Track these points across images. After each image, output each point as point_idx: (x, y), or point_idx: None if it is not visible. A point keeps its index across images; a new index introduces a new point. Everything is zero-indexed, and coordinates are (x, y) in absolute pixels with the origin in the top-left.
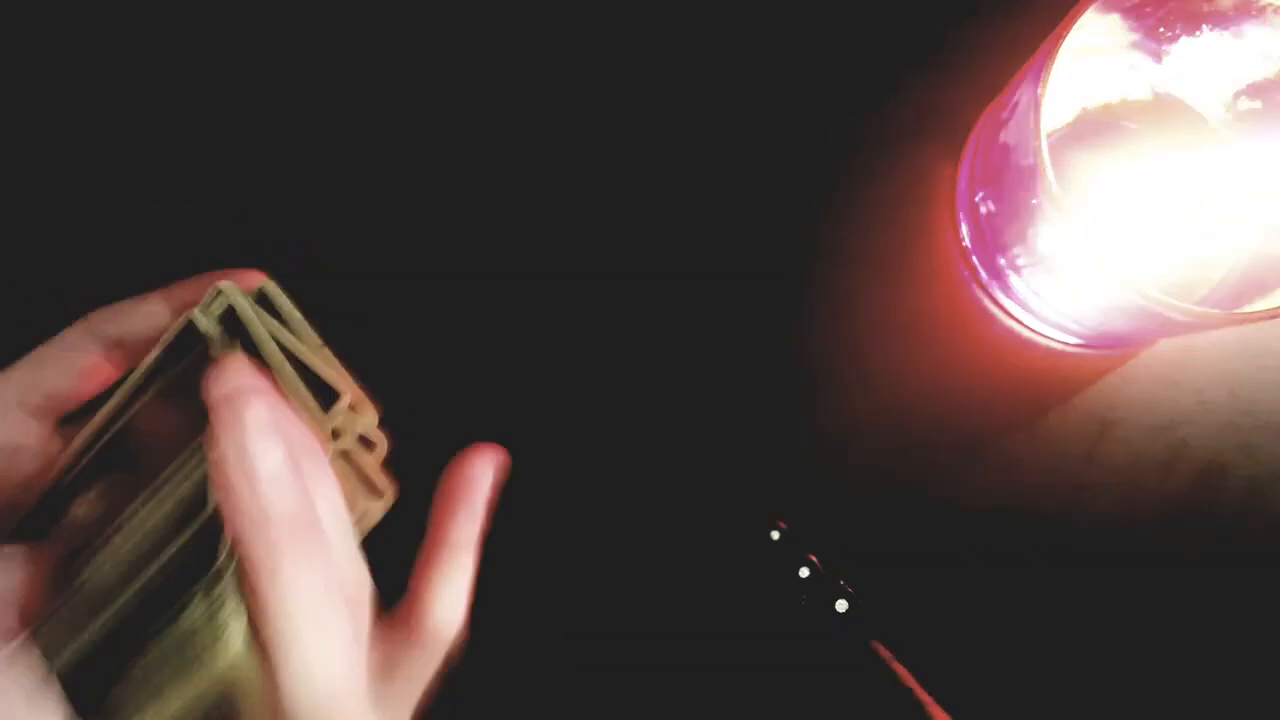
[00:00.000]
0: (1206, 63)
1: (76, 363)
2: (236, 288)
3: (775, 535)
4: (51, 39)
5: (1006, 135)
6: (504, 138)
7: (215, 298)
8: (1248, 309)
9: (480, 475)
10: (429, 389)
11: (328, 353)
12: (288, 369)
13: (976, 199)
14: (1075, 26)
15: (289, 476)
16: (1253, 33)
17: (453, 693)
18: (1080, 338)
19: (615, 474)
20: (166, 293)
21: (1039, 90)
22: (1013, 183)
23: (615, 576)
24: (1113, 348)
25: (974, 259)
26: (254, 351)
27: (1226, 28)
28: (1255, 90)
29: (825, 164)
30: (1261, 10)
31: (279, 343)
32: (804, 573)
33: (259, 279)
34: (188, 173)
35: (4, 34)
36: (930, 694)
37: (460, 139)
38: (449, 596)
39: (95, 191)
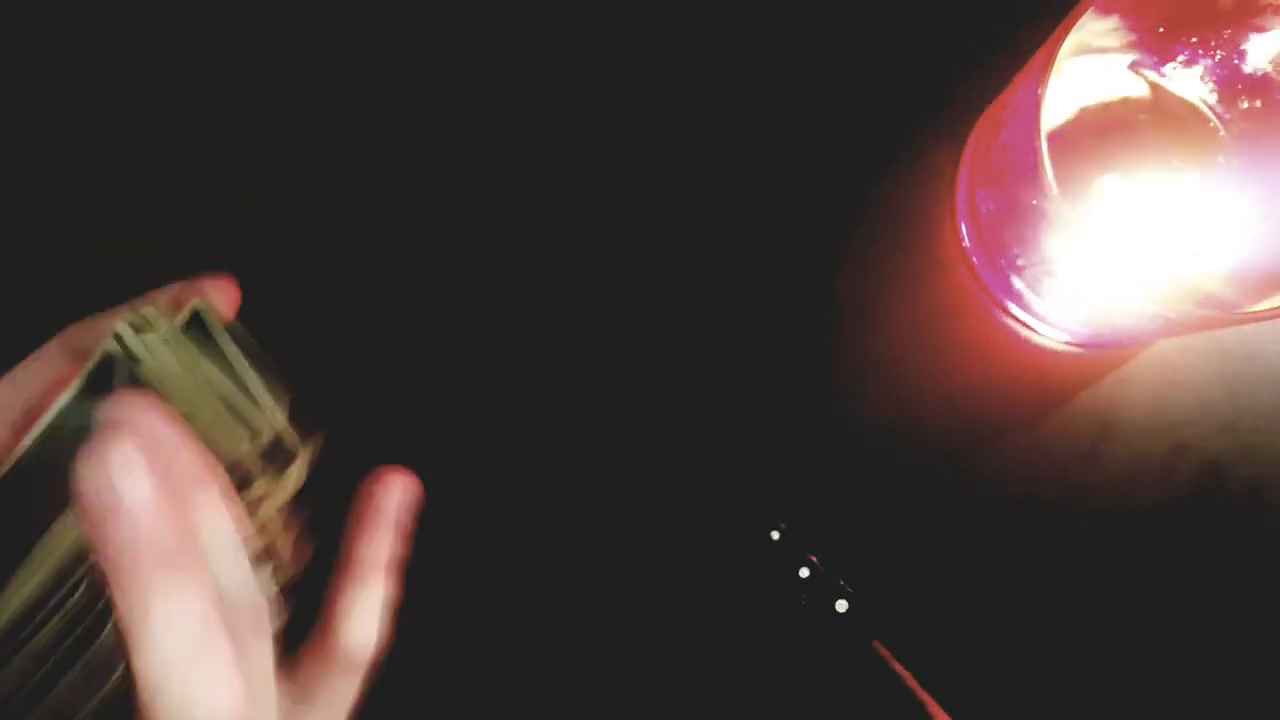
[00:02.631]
0: (1206, 63)
1: (54, 378)
2: (149, 315)
3: (775, 535)
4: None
5: (1006, 135)
6: (513, 142)
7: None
8: (1248, 309)
9: (387, 498)
10: (437, 386)
11: (255, 379)
12: (198, 401)
13: (976, 199)
14: (1075, 26)
15: (158, 507)
16: (1253, 33)
17: (448, 691)
18: (1080, 338)
19: (615, 474)
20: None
21: (1039, 90)
22: (1013, 183)
23: (615, 576)
24: (1113, 348)
25: (974, 259)
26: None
27: (1226, 27)
28: (1255, 90)
29: (825, 165)
30: (1261, 10)
31: (202, 370)
32: (804, 573)
33: (224, 287)
34: (158, 175)
35: None
36: (930, 694)
37: (475, 144)
38: (362, 617)
39: (71, 196)
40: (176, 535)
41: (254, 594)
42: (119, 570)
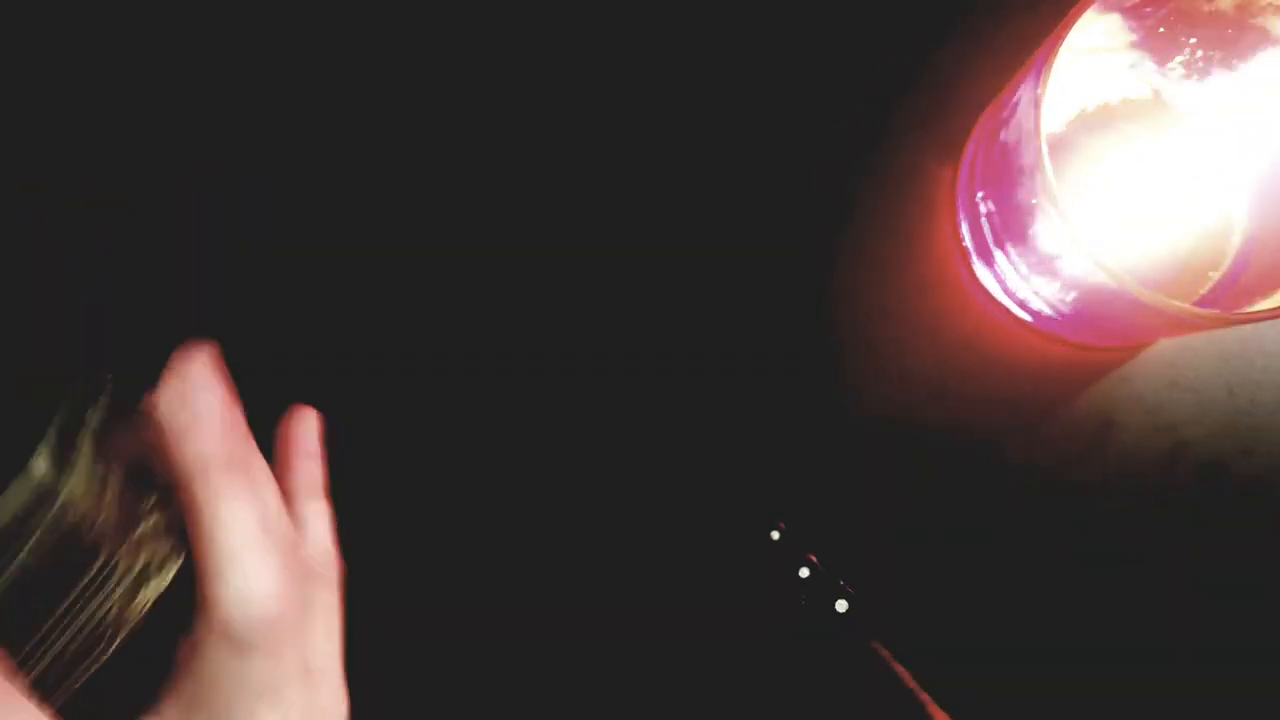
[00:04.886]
0: (1206, 63)
1: None
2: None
3: (775, 535)
4: None
5: (1006, 135)
6: (509, 140)
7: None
8: (1248, 309)
9: (302, 429)
10: (437, 387)
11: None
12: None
13: (976, 199)
14: (1075, 26)
15: (226, 422)
16: (1253, 33)
17: (448, 691)
18: (1080, 337)
19: (616, 474)
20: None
21: (1039, 90)
22: (1013, 182)
23: (616, 576)
24: (1113, 347)
25: (974, 259)
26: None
27: (1227, 28)
28: (1255, 91)
29: (825, 164)
30: (1262, 10)
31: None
32: (804, 573)
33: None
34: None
35: None
36: (930, 694)
37: (475, 144)
38: (315, 531)
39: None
40: (242, 448)
41: (284, 513)
42: (192, 475)
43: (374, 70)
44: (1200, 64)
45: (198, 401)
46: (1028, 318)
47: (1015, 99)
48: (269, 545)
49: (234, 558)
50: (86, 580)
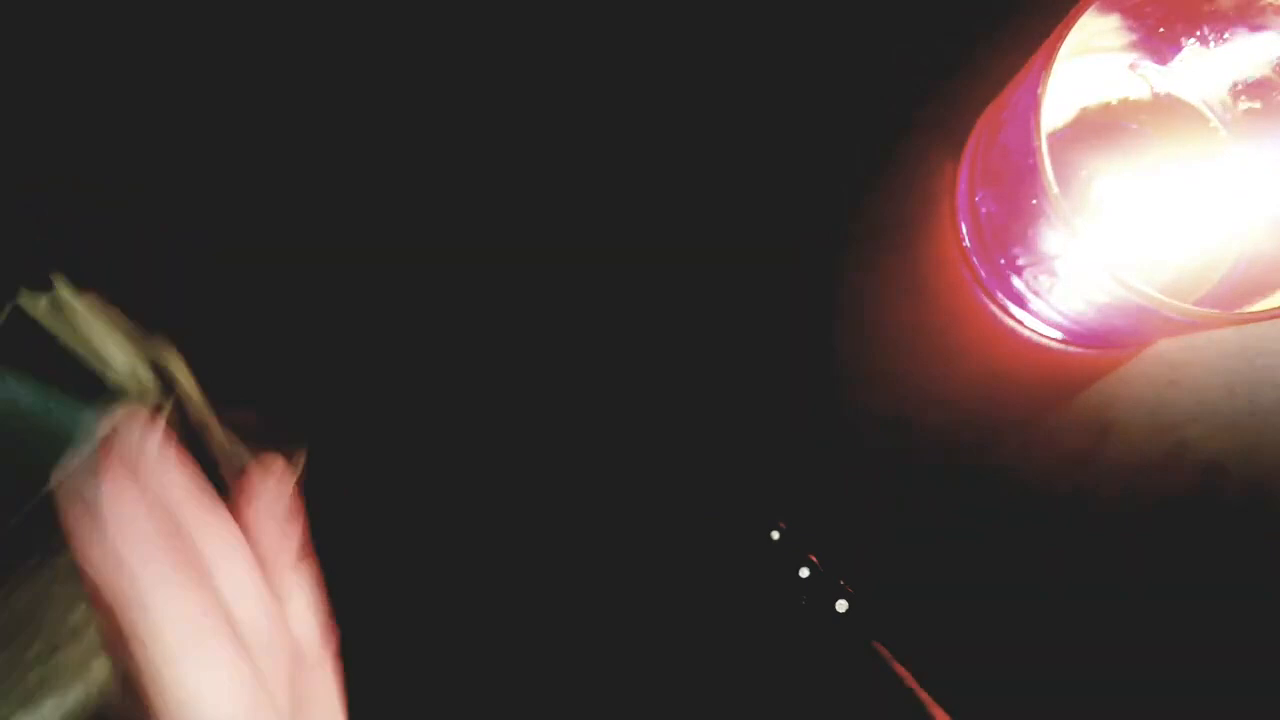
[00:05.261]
0: (1206, 63)
1: None
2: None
3: (775, 535)
4: None
5: (1006, 135)
6: (513, 145)
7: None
8: (1248, 309)
9: (269, 488)
10: (438, 389)
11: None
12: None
13: (976, 199)
14: (1075, 26)
15: (145, 514)
16: (1253, 33)
17: (448, 691)
18: (1080, 338)
19: (616, 473)
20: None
21: (1039, 90)
22: (1013, 183)
23: (616, 576)
24: (1113, 348)
25: (974, 259)
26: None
27: (1226, 27)
28: (1255, 90)
29: (825, 165)
30: (1261, 10)
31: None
32: (804, 573)
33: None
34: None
35: None
36: (930, 694)
37: (474, 143)
38: (296, 607)
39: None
40: (170, 543)
41: (263, 605)
42: (108, 574)
43: (371, 69)
44: (1200, 65)
45: (105, 494)
46: (1028, 318)
47: (1015, 99)
48: (218, 637)
49: (169, 660)
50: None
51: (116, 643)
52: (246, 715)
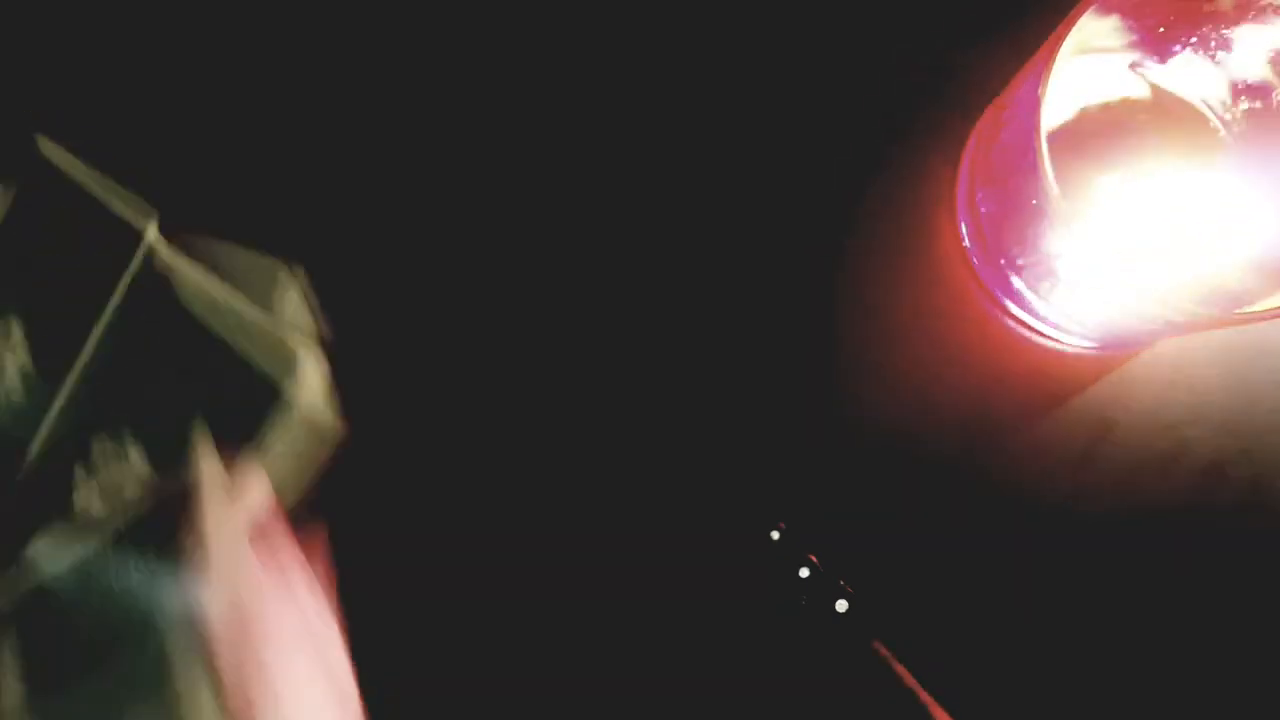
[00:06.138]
0: (1206, 63)
1: None
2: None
3: (775, 535)
4: None
5: (1006, 135)
6: (513, 138)
7: None
8: (1248, 309)
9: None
10: (439, 389)
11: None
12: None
13: (976, 199)
14: (1075, 26)
15: (267, 604)
16: (1253, 33)
17: (447, 691)
18: (1080, 338)
19: (616, 474)
20: None
21: (1039, 90)
22: (1013, 183)
23: (616, 576)
24: (1113, 348)
25: (974, 259)
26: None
27: (1227, 28)
28: (1255, 90)
29: (825, 165)
30: (1261, 10)
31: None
32: (804, 573)
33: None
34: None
35: None
36: (930, 694)
37: (473, 142)
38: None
39: None
40: (287, 621)
41: (341, 651)
42: (239, 661)
43: (369, 65)
44: (1200, 64)
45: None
46: (1028, 318)
47: (1016, 99)
48: (329, 701)
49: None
50: None
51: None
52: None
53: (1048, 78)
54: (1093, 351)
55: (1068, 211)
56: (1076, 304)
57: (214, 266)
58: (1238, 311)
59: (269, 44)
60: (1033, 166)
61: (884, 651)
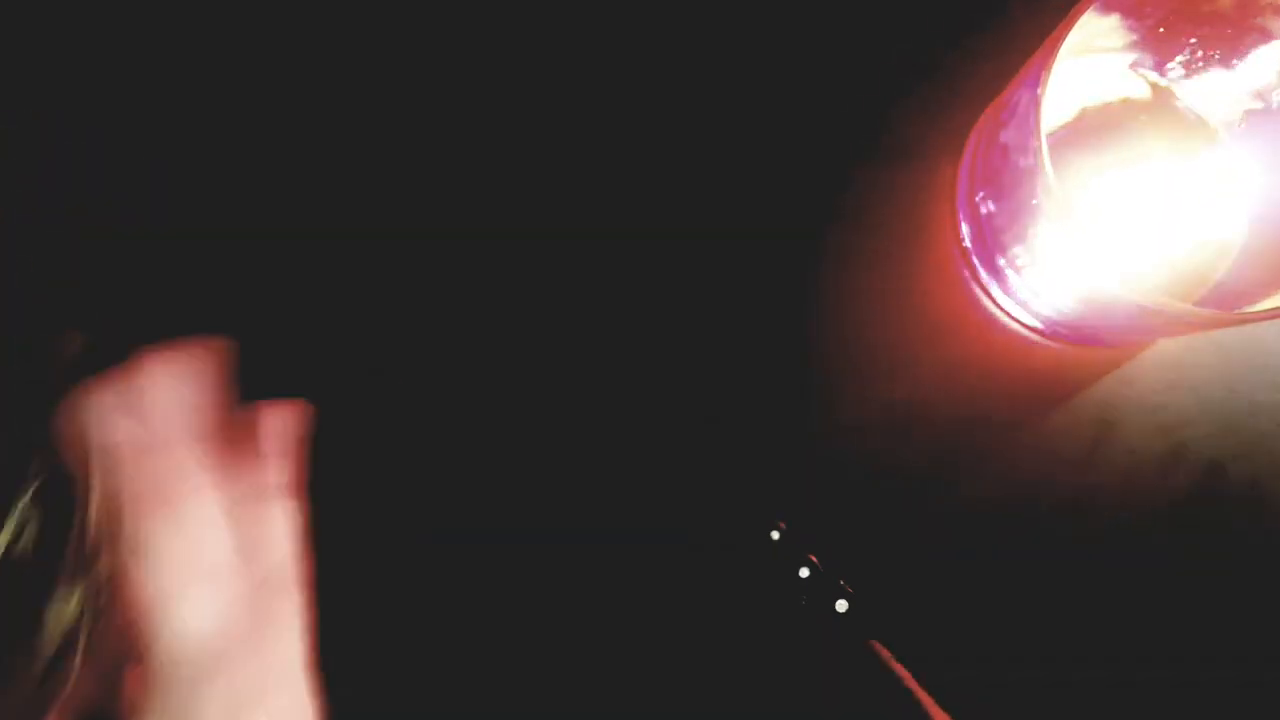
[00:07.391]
0: (1206, 63)
1: None
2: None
3: (775, 535)
4: None
5: (1006, 135)
6: (505, 134)
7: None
8: (1248, 309)
9: (279, 425)
10: (438, 388)
11: None
12: None
13: (976, 199)
14: (1075, 26)
15: (146, 449)
16: (1253, 33)
17: (447, 692)
18: (1080, 337)
19: (615, 474)
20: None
21: (1039, 90)
22: (1013, 183)
23: (615, 577)
24: (1113, 347)
25: (974, 259)
26: None
27: (1226, 28)
28: (1255, 90)
29: (826, 164)
30: (1261, 10)
31: None
32: (804, 573)
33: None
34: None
35: None
36: (930, 694)
37: (472, 141)
38: (274, 535)
39: None
40: (167, 473)
41: (224, 535)
42: (118, 505)
43: (367, 61)
44: (1200, 64)
45: (101, 427)
46: (1028, 318)
47: (1015, 99)
48: (206, 572)
49: (167, 596)
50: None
51: (113, 580)
52: (228, 636)
53: (1048, 78)
54: (1093, 351)
55: (1068, 211)
56: (1076, 304)
57: None
58: (1237, 311)
59: (259, 40)
60: (1033, 166)
61: (884, 651)
